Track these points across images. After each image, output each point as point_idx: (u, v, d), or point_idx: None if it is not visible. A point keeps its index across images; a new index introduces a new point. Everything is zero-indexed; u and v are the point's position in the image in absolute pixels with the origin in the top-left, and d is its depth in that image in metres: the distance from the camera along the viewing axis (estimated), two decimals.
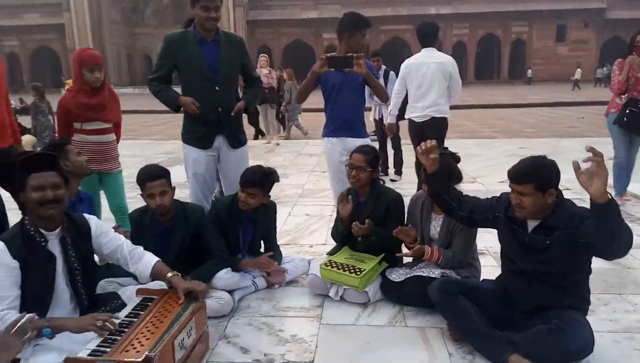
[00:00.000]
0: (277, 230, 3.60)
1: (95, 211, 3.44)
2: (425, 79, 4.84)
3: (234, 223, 3.26)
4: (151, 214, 2.97)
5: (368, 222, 3.03)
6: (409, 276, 2.96)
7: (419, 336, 2.70)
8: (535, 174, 2.30)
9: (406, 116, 5.13)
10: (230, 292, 3.05)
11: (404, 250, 3.12)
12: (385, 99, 3.89)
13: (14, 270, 2.16)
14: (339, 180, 3.98)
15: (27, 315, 1.76)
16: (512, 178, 2.37)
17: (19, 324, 1.71)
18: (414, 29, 5.68)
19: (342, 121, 3.79)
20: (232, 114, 3.51)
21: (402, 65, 5.07)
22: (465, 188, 2.88)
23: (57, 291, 2.32)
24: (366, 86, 3.70)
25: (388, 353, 2.53)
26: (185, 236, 3.01)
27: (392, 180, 6.61)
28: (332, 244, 3.97)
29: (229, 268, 3.11)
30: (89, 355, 1.96)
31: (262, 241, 3.47)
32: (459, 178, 2.99)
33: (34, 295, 2.22)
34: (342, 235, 3.25)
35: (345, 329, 2.80)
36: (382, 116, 6.82)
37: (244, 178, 3.17)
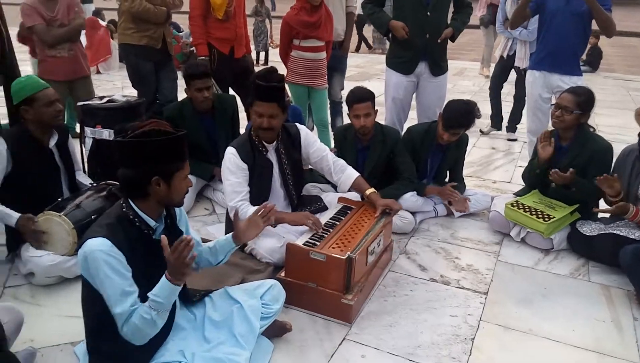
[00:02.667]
0: None
1: (303, 122, 3.87)
2: None
3: (425, 150, 3.40)
4: (353, 132, 3.26)
5: (571, 171, 2.88)
6: (602, 232, 2.84)
7: (602, 293, 2.65)
8: None
9: None
10: (412, 213, 3.29)
11: (602, 205, 2.97)
12: (611, 34, 3.51)
13: (244, 171, 2.63)
14: (535, 118, 3.83)
15: (269, 205, 2.18)
16: None
17: (262, 211, 2.13)
18: None
19: (550, 52, 3.57)
20: (439, 40, 3.53)
21: None
22: None
23: (274, 191, 2.79)
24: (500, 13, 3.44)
25: (566, 303, 2.55)
26: (380, 155, 3.27)
27: (509, 140, 5.32)
28: (517, 183, 3.92)
29: (415, 192, 3.32)
30: (304, 244, 2.39)
31: (447, 171, 3.58)
32: None
33: (256, 193, 2.68)
34: (536, 177, 3.17)
35: (522, 270, 2.86)
36: (513, 52, 5.09)
37: (451, 120, 3.16)
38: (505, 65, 5.24)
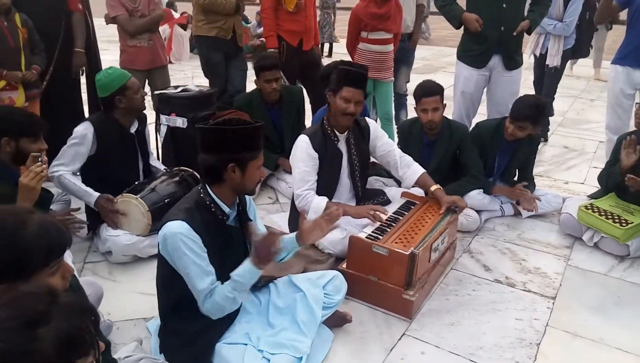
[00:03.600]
0: None
1: (368, 115, 3.86)
2: None
3: (494, 147, 3.29)
4: (419, 127, 3.22)
5: None
6: None
7: None
8: None
9: None
10: (477, 211, 3.20)
11: None
12: None
13: (314, 160, 2.66)
14: (615, 114, 3.63)
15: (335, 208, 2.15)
16: None
17: (328, 213, 2.07)
18: None
19: (635, 46, 3.36)
20: (514, 33, 3.40)
21: None
22: None
23: (341, 182, 2.81)
24: None
25: None
26: (447, 150, 3.20)
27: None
28: (592, 185, 3.74)
29: (481, 189, 3.23)
30: (366, 237, 2.40)
31: (517, 170, 3.45)
32: None
33: (323, 183, 2.71)
34: (615, 183, 2.99)
35: (594, 276, 2.73)
36: (545, 51, 4.59)
37: (517, 111, 3.06)
38: (541, 64, 4.73)
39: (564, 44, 4.50)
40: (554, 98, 4.90)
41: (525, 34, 3.54)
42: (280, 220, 3.18)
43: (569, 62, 5.43)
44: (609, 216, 2.86)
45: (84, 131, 2.72)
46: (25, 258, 1.11)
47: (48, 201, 2.52)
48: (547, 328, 2.30)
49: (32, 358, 0.85)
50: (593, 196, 3.17)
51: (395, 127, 4.18)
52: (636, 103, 3.03)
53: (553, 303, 2.48)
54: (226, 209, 1.82)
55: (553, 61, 4.52)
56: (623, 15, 3.58)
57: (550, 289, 2.60)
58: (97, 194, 2.68)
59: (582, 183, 3.96)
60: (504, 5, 3.34)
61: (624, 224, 2.78)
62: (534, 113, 3.04)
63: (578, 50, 4.90)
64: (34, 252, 1.11)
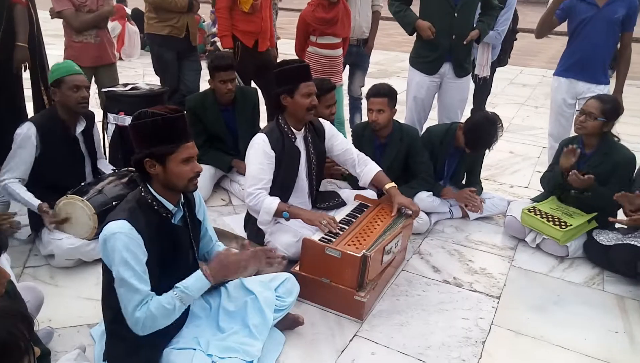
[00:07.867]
0: None
1: None
2: None
3: (444, 151, 3.38)
4: (371, 129, 3.27)
5: (589, 177, 2.87)
6: (620, 242, 2.81)
7: (615, 304, 2.63)
8: None
9: None
10: (427, 214, 3.28)
11: (620, 215, 2.93)
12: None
13: (270, 159, 2.62)
14: (558, 123, 3.79)
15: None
16: None
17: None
18: None
19: (577, 58, 3.51)
20: (464, 42, 3.51)
21: None
22: None
23: (299, 181, 2.79)
24: None
25: (579, 312, 2.54)
26: (397, 153, 3.27)
27: None
28: (535, 188, 3.90)
29: (431, 192, 3.31)
30: (319, 240, 2.41)
31: (465, 173, 3.56)
32: None
33: (281, 182, 2.69)
34: (556, 185, 3.14)
35: (536, 276, 2.85)
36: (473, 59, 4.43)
37: (477, 140, 3.17)
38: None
39: (493, 54, 4.47)
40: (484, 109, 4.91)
41: (475, 43, 3.66)
42: (232, 222, 3.14)
43: None
44: (550, 219, 2.99)
45: (26, 133, 2.59)
46: None
47: None
48: (492, 326, 2.39)
49: None
50: (535, 200, 3.31)
51: (350, 130, 4.22)
52: (576, 111, 3.18)
53: (498, 303, 2.58)
54: (170, 206, 1.77)
55: (483, 71, 4.49)
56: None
57: (495, 289, 2.70)
58: (37, 202, 2.57)
59: (526, 187, 4.14)
60: (456, 14, 3.44)
61: (563, 227, 2.92)
62: (493, 136, 3.17)
63: (504, 59, 4.89)
64: None
